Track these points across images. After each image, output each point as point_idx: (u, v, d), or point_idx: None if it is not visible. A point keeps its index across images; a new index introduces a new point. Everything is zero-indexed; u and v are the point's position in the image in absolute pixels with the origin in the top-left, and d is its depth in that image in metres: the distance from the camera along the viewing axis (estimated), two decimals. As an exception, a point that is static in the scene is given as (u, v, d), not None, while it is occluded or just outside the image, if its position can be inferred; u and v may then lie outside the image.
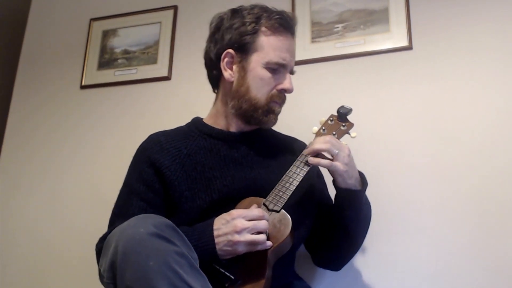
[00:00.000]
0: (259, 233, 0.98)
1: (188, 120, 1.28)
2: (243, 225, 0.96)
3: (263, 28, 1.14)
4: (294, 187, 1.06)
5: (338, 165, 1.06)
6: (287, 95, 1.19)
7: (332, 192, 1.18)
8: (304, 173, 1.08)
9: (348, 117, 1.16)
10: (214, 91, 1.26)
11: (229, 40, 1.15)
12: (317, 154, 1.09)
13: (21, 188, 1.82)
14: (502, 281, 1.27)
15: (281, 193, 1.05)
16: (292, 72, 1.19)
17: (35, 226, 1.75)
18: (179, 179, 1.12)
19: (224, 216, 1.00)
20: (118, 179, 1.21)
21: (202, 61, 1.24)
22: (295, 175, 1.07)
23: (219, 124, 1.21)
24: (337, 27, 1.62)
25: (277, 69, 1.14)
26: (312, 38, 1.64)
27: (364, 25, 1.60)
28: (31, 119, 1.91)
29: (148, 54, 1.83)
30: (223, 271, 0.98)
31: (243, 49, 1.14)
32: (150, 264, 0.80)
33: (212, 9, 1.27)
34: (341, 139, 1.13)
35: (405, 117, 1.48)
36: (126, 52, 1.86)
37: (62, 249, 1.69)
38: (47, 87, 1.94)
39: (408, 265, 1.35)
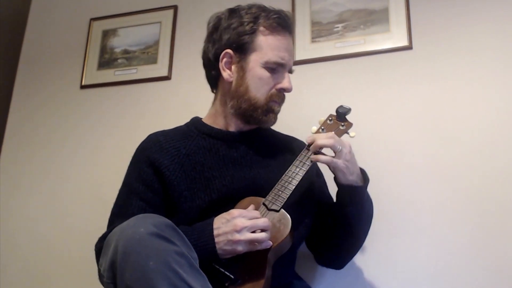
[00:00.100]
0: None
1: (188, 120, 1.28)
2: (243, 224, 0.97)
3: (261, 28, 1.14)
4: (294, 187, 1.06)
5: (339, 161, 1.06)
6: (286, 94, 1.19)
7: (333, 190, 1.18)
8: (304, 173, 1.08)
9: (348, 116, 1.16)
10: (212, 91, 1.26)
11: (228, 40, 1.15)
12: (317, 151, 1.10)
13: (21, 188, 1.82)
14: (502, 281, 1.27)
15: (280, 192, 1.05)
16: (290, 71, 1.19)
17: (35, 226, 1.75)
18: (178, 179, 1.12)
19: (224, 216, 1.00)
20: (118, 179, 1.21)
21: (201, 61, 1.24)
22: (295, 175, 1.07)
23: (218, 123, 1.21)
24: (337, 27, 1.62)
25: (276, 68, 1.14)
26: (312, 38, 1.64)
27: (364, 25, 1.59)
28: (31, 119, 1.91)
29: (148, 54, 1.83)
30: (223, 270, 0.98)
31: (242, 49, 1.14)
32: (150, 264, 0.80)
33: (212, 9, 1.27)
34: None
35: (405, 117, 1.48)
36: (126, 52, 1.86)
37: (62, 249, 1.69)
38: (47, 87, 1.94)
39: (408, 265, 1.35)
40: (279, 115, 1.19)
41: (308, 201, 1.18)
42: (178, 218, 1.07)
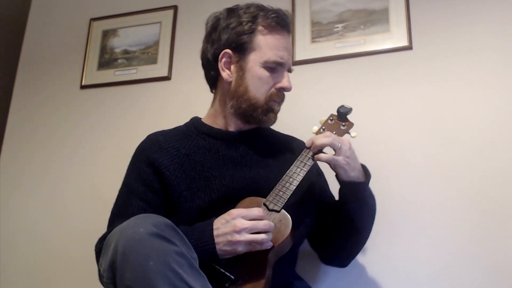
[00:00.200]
0: (259, 233, 0.97)
1: (188, 120, 1.28)
2: (242, 225, 0.96)
3: (260, 27, 1.14)
4: (295, 187, 1.06)
5: (339, 158, 1.06)
6: (286, 94, 1.19)
7: (334, 188, 1.18)
8: (305, 173, 1.08)
9: (348, 116, 1.16)
10: (212, 91, 1.26)
11: (226, 40, 1.15)
12: (318, 150, 1.09)
13: (21, 188, 1.82)
14: (502, 281, 1.27)
15: (281, 193, 1.05)
16: (290, 70, 1.19)
17: (35, 226, 1.75)
18: (178, 179, 1.12)
19: (224, 216, 1.00)
20: (118, 179, 1.21)
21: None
22: (295, 175, 1.07)
23: (218, 123, 1.21)
24: (337, 27, 1.62)
25: (275, 68, 1.14)
26: (312, 38, 1.64)
27: (364, 25, 1.59)
28: (31, 119, 1.91)
29: (148, 54, 1.83)
30: (223, 271, 0.98)
31: (241, 49, 1.14)
32: (150, 264, 0.80)
33: (212, 9, 1.27)
34: (340, 139, 1.13)
35: (405, 117, 1.48)
36: (126, 52, 1.86)
37: (62, 249, 1.69)
38: (47, 87, 1.94)
39: (408, 265, 1.35)
40: (279, 115, 1.19)
41: (309, 200, 1.18)
42: (178, 218, 1.07)
